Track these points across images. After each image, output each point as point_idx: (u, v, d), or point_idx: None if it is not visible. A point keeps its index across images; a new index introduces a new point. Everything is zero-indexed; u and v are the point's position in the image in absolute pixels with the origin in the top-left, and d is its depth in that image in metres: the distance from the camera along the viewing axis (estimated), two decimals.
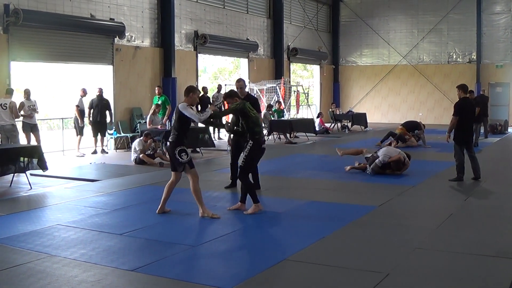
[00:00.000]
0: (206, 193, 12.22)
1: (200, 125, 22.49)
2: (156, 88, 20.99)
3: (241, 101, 10.37)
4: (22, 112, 16.64)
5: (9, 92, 16.22)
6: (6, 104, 15.87)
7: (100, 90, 19.52)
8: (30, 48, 18.14)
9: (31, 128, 16.94)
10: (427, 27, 35.92)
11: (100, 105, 19.38)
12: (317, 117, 29.41)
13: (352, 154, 15.35)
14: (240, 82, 12.43)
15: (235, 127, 11.05)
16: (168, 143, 10.10)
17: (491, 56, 34.64)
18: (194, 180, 9.83)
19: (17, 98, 16.91)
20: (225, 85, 27.24)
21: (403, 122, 23.31)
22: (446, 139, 13.77)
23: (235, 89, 12.16)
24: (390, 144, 18.78)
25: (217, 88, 25.71)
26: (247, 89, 26.42)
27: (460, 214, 10.33)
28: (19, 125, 16.58)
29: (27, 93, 17.18)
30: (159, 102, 20.32)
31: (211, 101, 24.23)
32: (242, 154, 10.48)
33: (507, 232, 8.89)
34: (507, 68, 34.26)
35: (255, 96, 22.37)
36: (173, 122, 10.10)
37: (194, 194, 9.84)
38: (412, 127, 22.09)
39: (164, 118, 20.31)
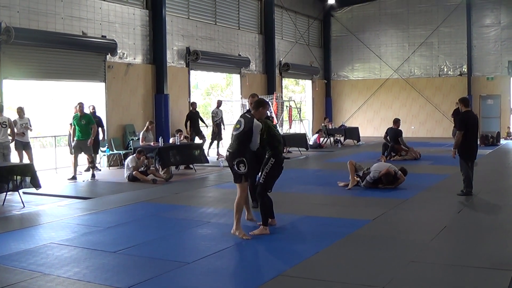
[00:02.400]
0: (200, 209, 12.25)
1: (198, 140, 22.66)
2: (78, 106, 17.94)
3: (266, 122, 9.92)
4: (15, 130, 16.62)
5: (1, 109, 16.16)
6: (5, 122, 15.90)
7: (93, 108, 19.50)
8: (22, 66, 18.11)
9: (23, 146, 16.90)
10: (417, 41, 36.10)
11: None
12: (317, 132, 29.65)
13: (352, 172, 15.22)
14: (254, 98, 12.22)
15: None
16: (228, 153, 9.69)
17: (482, 68, 34.81)
18: (241, 195, 9.59)
19: (10, 116, 16.88)
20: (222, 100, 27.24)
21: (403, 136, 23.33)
22: (452, 155, 13.40)
23: (248, 104, 12.04)
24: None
25: (217, 103, 25.65)
26: (239, 105, 26.54)
27: (454, 226, 10.35)
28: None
29: (20, 111, 17.17)
30: (83, 122, 17.61)
31: (200, 117, 24.20)
32: (263, 171, 9.92)
33: (501, 244, 8.90)
34: (498, 80, 34.42)
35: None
36: (237, 132, 9.45)
37: (235, 208, 9.60)
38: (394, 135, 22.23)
39: (89, 140, 17.66)
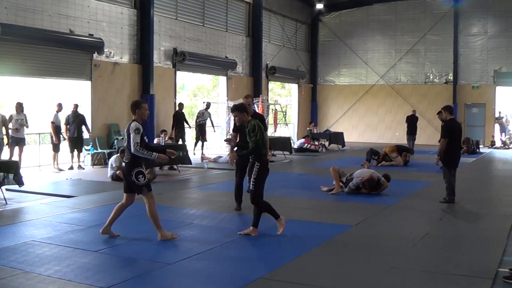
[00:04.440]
0: (183, 210, 12.27)
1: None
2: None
3: (255, 123, 9.77)
4: (10, 126, 16.72)
5: None
6: None
7: (75, 106, 19.49)
8: (8, 63, 18.07)
9: (17, 142, 16.99)
10: (404, 48, 36.30)
11: (76, 120, 19.35)
12: (304, 137, 30.07)
13: (338, 181, 15.25)
14: (248, 99, 12.20)
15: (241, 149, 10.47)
16: (124, 164, 9.58)
17: (467, 77, 35.07)
18: (151, 203, 9.41)
19: (8, 111, 17.01)
20: (204, 102, 27.25)
21: (390, 143, 23.73)
22: (435, 163, 13.56)
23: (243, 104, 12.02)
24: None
25: (206, 105, 25.67)
26: (225, 107, 26.58)
27: (435, 234, 10.41)
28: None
29: (18, 106, 17.27)
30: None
31: (186, 118, 24.24)
32: (251, 178, 9.87)
33: (481, 252, 8.95)
34: (483, 89, 34.71)
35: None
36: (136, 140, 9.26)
37: (151, 218, 9.40)
38: (405, 149, 22.54)
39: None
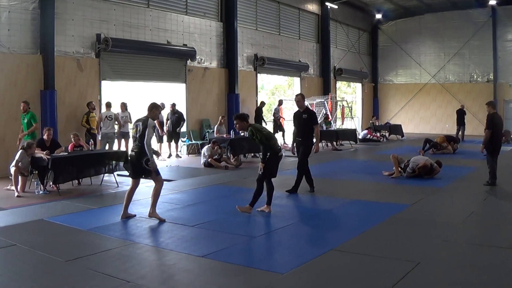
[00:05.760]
0: (264, 192, 12.28)
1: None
2: (22, 104, 14.38)
3: (252, 128, 9.76)
4: (121, 122, 17.34)
5: (109, 105, 16.86)
6: (111, 115, 16.49)
7: (172, 106, 19.80)
8: (117, 70, 18.53)
9: (123, 135, 17.49)
10: (452, 51, 35.53)
11: (173, 117, 19.65)
12: (366, 129, 29.99)
13: (397, 167, 15.10)
14: (298, 97, 12.26)
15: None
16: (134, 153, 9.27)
17: (505, 76, 34.15)
18: (159, 185, 9.41)
19: (114, 110, 17.58)
20: (284, 100, 27.24)
21: (441, 134, 23.31)
22: (481, 150, 13.31)
23: (296, 102, 12.15)
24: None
25: (279, 102, 25.65)
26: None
27: (480, 212, 10.20)
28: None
29: (123, 106, 17.77)
30: (25, 120, 14.20)
31: (262, 113, 24.24)
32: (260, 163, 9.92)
33: None
34: None
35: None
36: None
37: (154, 196, 9.36)
38: (453, 139, 22.10)
39: (21, 134, 14.18)
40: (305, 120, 11.94)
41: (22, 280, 6.11)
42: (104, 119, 16.86)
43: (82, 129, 16.56)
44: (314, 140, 12.24)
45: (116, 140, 17.49)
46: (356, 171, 16.34)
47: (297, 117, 12.18)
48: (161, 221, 9.15)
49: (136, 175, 9.43)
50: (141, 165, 9.10)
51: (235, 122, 10.00)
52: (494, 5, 33.09)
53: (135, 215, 9.60)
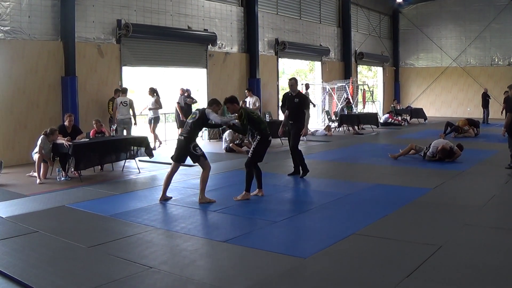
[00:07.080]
0: (285, 177, 12.24)
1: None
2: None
3: (243, 111, 9.76)
4: (151, 106, 17.72)
5: (125, 91, 16.72)
6: (126, 101, 16.38)
7: (186, 91, 19.44)
8: (138, 55, 18.52)
9: (153, 120, 18.00)
10: (473, 35, 35.08)
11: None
12: (388, 113, 30.04)
13: (405, 153, 15.09)
14: (291, 81, 12.40)
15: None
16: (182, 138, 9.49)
17: None
18: (206, 170, 9.52)
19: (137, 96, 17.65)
20: (302, 84, 27.10)
21: (463, 117, 23.09)
22: (502, 134, 13.22)
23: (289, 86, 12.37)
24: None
25: (306, 86, 25.49)
26: (320, 88, 26.31)
27: (501, 195, 10.05)
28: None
29: (152, 91, 17.81)
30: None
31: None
32: (252, 146, 10.02)
33: None
34: None
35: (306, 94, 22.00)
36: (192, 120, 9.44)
37: (202, 181, 9.48)
38: (474, 123, 21.81)
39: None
40: (296, 104, 12.17)
41: (44, 266, 6.13)
42: (119, 105, 16.54)
43: (106, 115, 16.61)
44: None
45: (133, 126, 17.27)
46: (377, 155, 16.21)
47: (289, 100, 12.42)
48: (212, 202, 9.35)
49: (179, 159, 9.60)
50: (189, 150, 9.29)
51: (226, 105, 10.06)
52: None
53: (171, 197, 9.74)
